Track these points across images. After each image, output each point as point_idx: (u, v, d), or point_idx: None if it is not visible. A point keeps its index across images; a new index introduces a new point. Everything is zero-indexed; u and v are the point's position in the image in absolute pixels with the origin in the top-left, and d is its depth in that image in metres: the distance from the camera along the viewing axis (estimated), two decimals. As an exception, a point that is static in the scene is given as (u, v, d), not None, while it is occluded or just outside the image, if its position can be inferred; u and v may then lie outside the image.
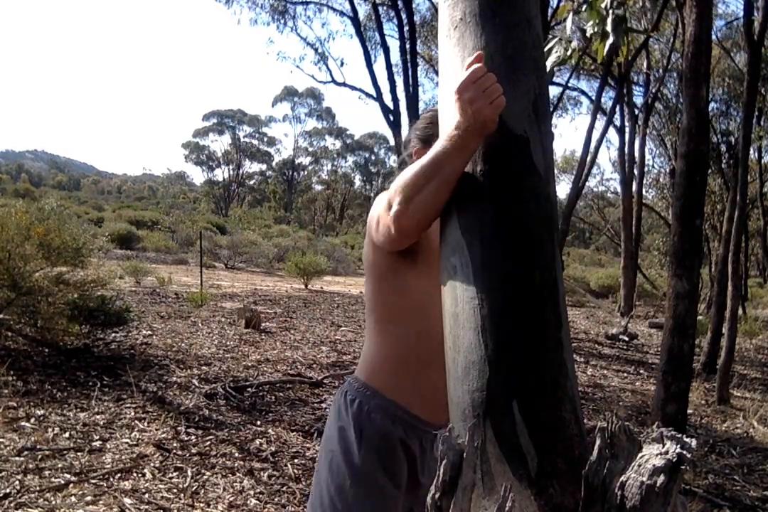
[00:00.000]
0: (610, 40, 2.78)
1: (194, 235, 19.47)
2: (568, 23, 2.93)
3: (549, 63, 3.02)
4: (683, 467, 0.84)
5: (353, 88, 13.10)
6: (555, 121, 20.37)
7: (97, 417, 3.60)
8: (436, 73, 15.04)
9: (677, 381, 3.72)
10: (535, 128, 1.11)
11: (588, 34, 2.90)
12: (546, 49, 3.01)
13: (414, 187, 1.12)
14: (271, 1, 13.85)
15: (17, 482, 2.67)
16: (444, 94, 1.21)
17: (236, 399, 4.25)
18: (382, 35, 11.83)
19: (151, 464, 3.02)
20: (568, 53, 2.98)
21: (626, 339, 9.66)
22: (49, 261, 4.76)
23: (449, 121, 1.18)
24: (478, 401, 1.03)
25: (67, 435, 3.29)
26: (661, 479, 0.84)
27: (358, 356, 6.22)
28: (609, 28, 2.75)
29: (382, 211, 1.22)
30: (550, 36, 3.17)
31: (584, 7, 2.88)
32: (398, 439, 1.30)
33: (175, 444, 3.31)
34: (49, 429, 3.32)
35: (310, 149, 58.49)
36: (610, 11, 2.75)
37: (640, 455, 0.89)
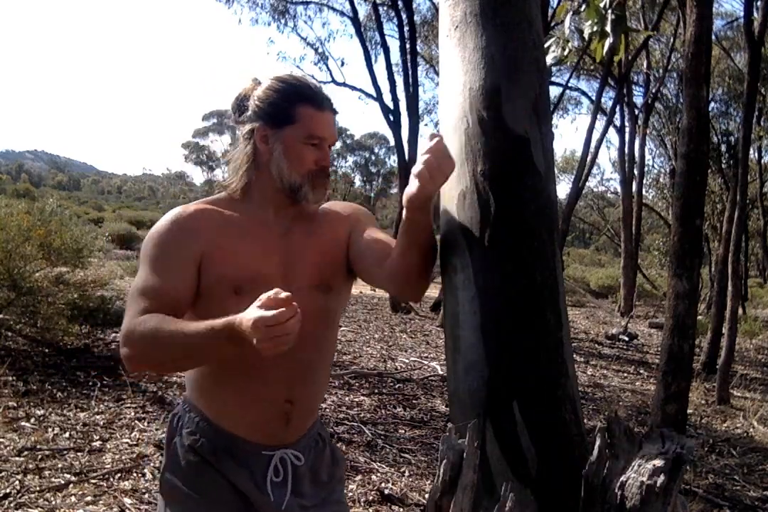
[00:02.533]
0: (609, 39, 2.78)
1: (194, 235, 19.37)
2: (567, 23, 2.93)
3: (546, 62, 3.01)
4: (683, 467, 0.84)
5: (353, 88, 13.09)
6: (555, 121, 20.37)
7: (97, 417, 3.60)
8: (436, 73, 15.05)
9: (677, 381, 3.72)
10: (536, 128, 1.11)
11: (587, 34, 2.90)
12: (544, 48, 3.01)
13: (159, 354, 1.06)
14: (271, 0, 13.85)
15: (17, 482, 2.67)
16: (444, 93, 1.21)
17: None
18: (382, 35, 11.83)
19: (151, 464, 3.02)
20: (566, 53, 2.98)
21: (626, 339, 9.66)
22: (49, 262, 4.76)
23: (449, 121, 1.18)
24: (478, 401, 1.03)
25: (67, 435, 3.29)
26: (661, 479, 0.84)
27: (358, 356, 6.24)
28: (608, 27, 2.75)
29: (129, 307, 1.10)
30: (548, 35, 3.18)
31: (583, 6, 2.88)
32: (208, 452, 1.20)
33: (175, 444, 3.31)
34: (49, 429, 3.32)
35: (311, 149, 58.33)
36: (609, 11, 2.75)
37: (640, 455, 0.89)
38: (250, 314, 0.94)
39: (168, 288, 1.11)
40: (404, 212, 1.06)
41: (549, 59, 2.99)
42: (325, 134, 1.19)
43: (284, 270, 1.19)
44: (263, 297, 0.94)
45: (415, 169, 1.00)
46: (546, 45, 2.99)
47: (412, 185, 1.01)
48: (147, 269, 1.13)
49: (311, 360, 1.21)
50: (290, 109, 1.16)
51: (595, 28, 2.79)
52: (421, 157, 1.00)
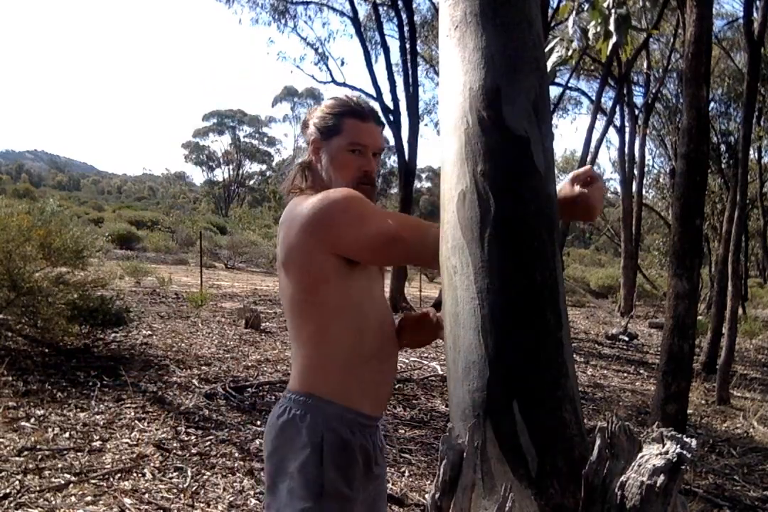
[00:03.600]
0: (614, 39, 2.78)
1: (194, 235, 19.45)
2: (570, 23, 2.92)
3: (550, 63, 3.01)
4: (683, 467, 0.84)
5: (353, 88, 13.08)
6: (555, 121, 20.38)
7: (97, 417, 3.60)
8: (436, 73, 15.05)
9: (677, 381, 3.72)
10: (536, 128, 1.11)
11: (591, 34, 2.90)
12: (547, 49, 3.01)
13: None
14: (271, 1, 13.85)
15: (17, 482, 2.67)
16: (444, 93, 1.21)
17: (236, 399, 4.25)
18: (382, 35, 11.83)
19: (151, 464, 3.02)
20: (569, 53, 2.98)
21: (626, 339, 9.67)
22: (49, 262, 4.76)
23: (449, 121, 1.18)
24: (478, 401, 1.03)
25: (67, 435, 3.29)
26: (661, 479, 0.84)
27: (358, 356, 6.24)
28: (612, 27, 2.75)
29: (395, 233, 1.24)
30: (550, 36, 3.17)
31: (586, 6, 2.88)
32: (358, 445, 1.27)
33: (175, 444, 3.31)
34: (49, 429, 3.32)
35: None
36: (613, 11, 2.75)
37: (640, 455, 0.89)
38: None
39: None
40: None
41: (553, 59, 2.98)
42: (367, 142, 1.33)
43: None
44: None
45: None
46: (550, 46, 2.99)
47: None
48: (375, 217, 1.25)
49: (394, 340, 1.40)
50: (337, 122, 1.32)
51: (599, 28, 2.79)
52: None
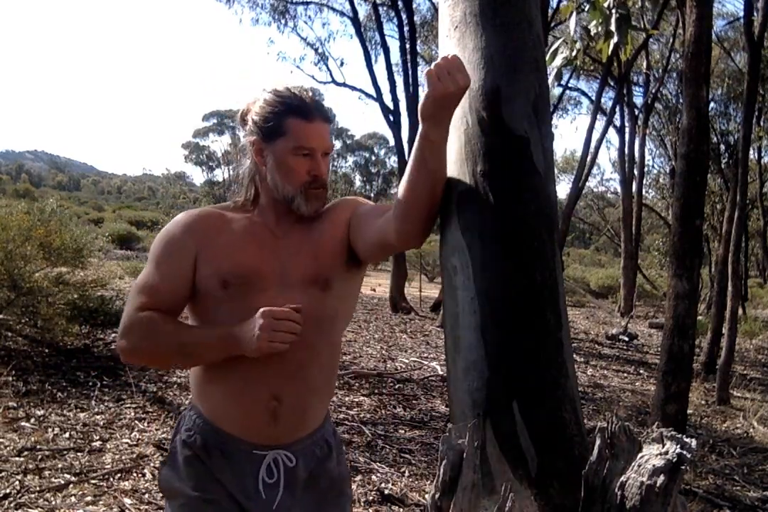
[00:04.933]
0: (615, 39, 2.78)
1: (194, 235, 19.39)
2: (572, 23, 2.92)
3: (556, 64, 3.02)
4: (683, 467, 0.84)
5: (353, 88, 13.08)
6: (555, 122, 20.37)
7: (97, 417, 3.60)
8: (436, 73, 15.00)
9: (677, 381, 3.72)
10: (535, 128, 1.11)
11: (592, 34, 2.90)
12: (551, 50, 3.01)
13: (149, 348, 1.19)
14: (271, 1, 13.85)
15: (17, 482, 2.67)
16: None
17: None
18: (382, 35, 11.82)
19: (151, 464, 3.02)
20: (574, 53, 2.98)
21: (626, 339, 9.66)
22: (49, 262, 4.76)
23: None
24: (478, 401, 1.03)
25: (67, 435, 3.29)
26: (661, 479, 0.84)
27: (358, 356, 6.24)
28: (613, 27, 2.75)
29: (129, 300, 1.21)
30: (551, 37, 3.18)
31: (587, 6, 2.88)
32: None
33: (175, 444, 3.31)
34: (49, 429, 3.32)
35: (311, 149, 58.35)
36: (613, 11, 2.75)
37: (640, 455, 0.89)
38: (258, 316, 1.09)
39: (166, 286, 1.20)
40: (419, 128, 1.05)
41: (559, 61, 2.99)
42: (314, 144, 1.20)
43: (279, 267, 1.22)
44: (275, 310, 1.09)
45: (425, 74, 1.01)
46: (554, 47, 3.00)
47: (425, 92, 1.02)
48: (150, 267, 1.23)
49: (301, 359, 1.20)
50: (280, 122, 1.20)
51: (599, 28, 2.79)
52: (433, 63, 1.02)
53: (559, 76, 3.31)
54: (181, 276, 1.21)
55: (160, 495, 2.70)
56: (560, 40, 2.99)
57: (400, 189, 1.14)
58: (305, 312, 1.14)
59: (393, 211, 1.16)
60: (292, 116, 1.19)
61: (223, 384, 1.21)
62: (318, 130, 1.21)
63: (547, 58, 2.99)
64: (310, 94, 1.24)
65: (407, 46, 11.40)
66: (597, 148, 12.30)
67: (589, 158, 11.58)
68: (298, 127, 1.19)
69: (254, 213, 1.28)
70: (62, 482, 2.72)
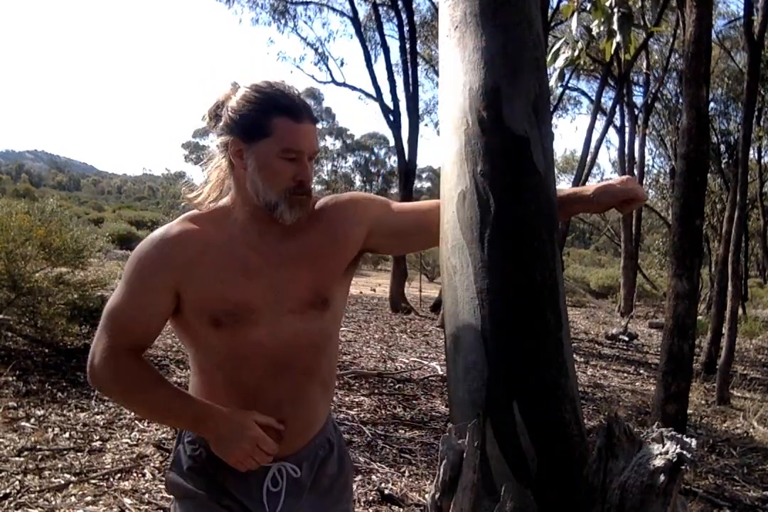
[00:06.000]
0: (617, 38, 2.78)
1: (194, 235, 19.38)
2: (573, 23, 2.92)
3: (559, 65, 3.02)
4: (683, 467, 0.84)
5: (353, 88, 13.08)
6: (555, 121, 20.36)
7: (97, 417, 3.60)
8: (436, 73, 15.04)
9: (677, 381, 3.72)
10: (535, 128, 1.11)
11: (594, 34, 2.90)
12: (553, 50, 3.01)
13: (122, 398, 1.24)
14: (271, 1, 13.85)
15: (17, 482, 2.67)
16: (444, 93, 1.21)
17: (236, 399, 4.25)
18: (382, 35, 11.82)
19: (151, 464, 3.02)
20: (576, 53, 2.98)
21: (626, 339, 9.66)
22: (49, 262, 4.76)
23: (449, 121, 1.18)
24: (478, 401, 1.03)
25: (67, 435, 3.29)
26: (661, 479, 0.84)
27: (358, 356, 6.23)
28: (615, 26, 2.74)
29: (103, 328, 1.15)
30: (551, 37, 3.18)
31: (588, 6, 2.88)
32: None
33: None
34: (49, 429, 3.32)
35: (310, 149, 58.26)
36: (615, 9, 2.75)
37: (640, 455, 0.89)
38: (250, 422, 1.10)
39: (140, 319, 1.14)
40: (588, 195, 1.19)
41: (561, 62, 2.99)
42: (302, 147, 1.11)
43: (272, 295, 1.14)
44: (264, 420, 1.12)
45: (634, 189, 1.16)
46: (556, 47, 3.00)
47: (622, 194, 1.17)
48: (124, 290, 1.15)
49: (301, 383, 1.18)
50: (265, 122, 1.09)
51: (602, 28, 2.79)
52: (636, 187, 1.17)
53: (561, 77, 3.31)
54: (156, 307, 1.13)
55: (160, 495, 2.70)
56: (561, 41, 2.98)
57: None
58: (304, 338, 1.16)
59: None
60: (279, 115, 1.09)
61: (227, 406, 1.16)
62: (306, 132, 1.11)
63: (548, 58, 2.99)
64: (296, 91, 1.14)
65: (407, 46, 11.40)
66: (597, 148, 12.31)
67: (589, 158, 11.58)
68: (285, 128, 1.09)
69: (233, 226, 1.16)
70: (62, 482, 2.72)
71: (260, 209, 1.14)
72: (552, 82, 3.04)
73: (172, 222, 1.20)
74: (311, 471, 1.24)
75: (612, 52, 2.93)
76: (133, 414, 3.70)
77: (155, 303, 1.13)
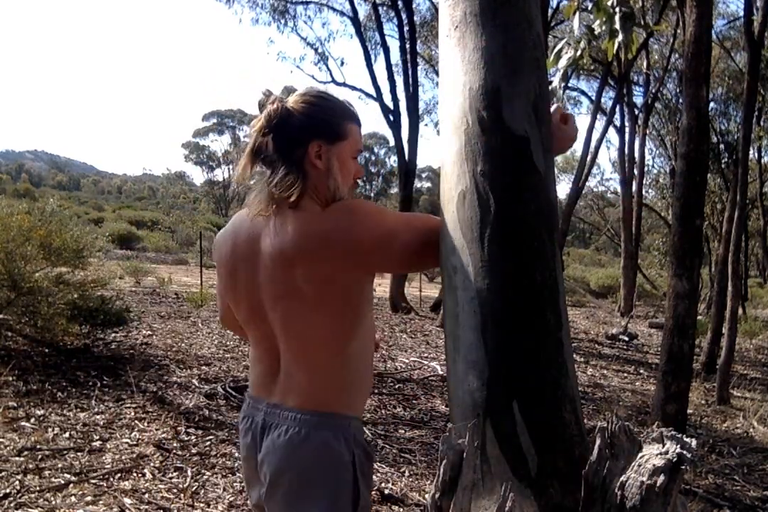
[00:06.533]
0: (619, 37, 2.78)
1: (194, 235, 19.47)
2: (575, 23, 2.92)
3: (562, 65, 3.01)
4: (683, 467, 0.84)
5: (353, 88, 13.09)
6: (555, 121, 20.30)
7: (97, 417, 3.60)
8: (436, 73, 15.04)
9: (677, 381, 3.72)
10: (536, 128, 1.11)
11: (596, 33, 2.89)
12: (555, 51, 3.01)
13: None
14: (271, 1, 13.85)
15: (17, 482, 2.67)
16: (444, 93, 1.21)
17: (236, 399, 4.24)
18: (382, 35, 11.83)
19: (151, 464, 3.02)
20: (578, 53, 2.97)
21: (626, 339, 9.67)
22: (49, 262, 4.76)
23: (449, 121, 1.18)
24: (478, 401, 1.03)
25: (67, 435, 3.29)
26: (661, 479, 0.84)
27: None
28: (617, 25, 2.74)
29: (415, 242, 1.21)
30: (553, 37, 3.18)
31: (590, 6, 2.87)
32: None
33: (175, 444, 3.31)
34: (49, 429, 3.32)
35: (310, 149, 58.39)
36: (617, 9, 2.74)
37: (640, 455, 0.89)
38: None
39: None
40: None
41: (564, 62, 2.98)
42: (362, 149, 1.34)
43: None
44: None
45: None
46: (558, 48, 2.99)
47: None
48: (402, 218, 1.27)
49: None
50: (342, 126, 1.25)
51: (603, 27, 2.79)
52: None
53: (565, 78, 3.31)
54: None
55: (160, 495, 2.70)
56: (563, 41, 2.98)
57: None
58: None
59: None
60: (350, 121, 1.26)
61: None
62: (362, 135, 1.33)
63: (550, 59, 2.98)
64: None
65: (407, 46, 11.41)
66: (597, 148, 12.32)
67: (589, 158, 11.59)
68: (356, 132, 1.27)
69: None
70: (62, 482, 2.72)
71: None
72: (555, 83, 3.03)
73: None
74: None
75: (614, 51, 2.93)
76: (133, 413, 3.70)
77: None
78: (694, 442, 0.86)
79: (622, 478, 0.88)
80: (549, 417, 1.01)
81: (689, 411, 4.42)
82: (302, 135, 1.21)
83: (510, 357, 1.03)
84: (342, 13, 13.25)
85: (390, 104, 11.38)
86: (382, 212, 1.20)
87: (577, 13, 2.90)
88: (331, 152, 1.23)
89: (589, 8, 2.86)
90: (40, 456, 2.96)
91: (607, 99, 15.93)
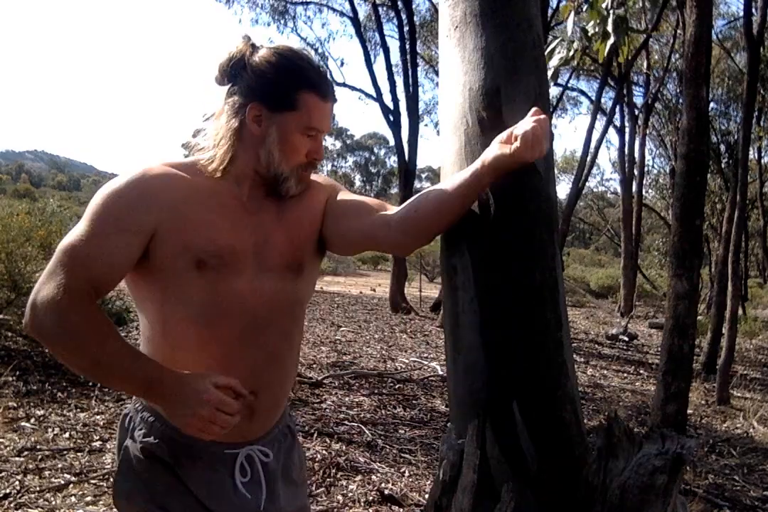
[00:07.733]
0: (611, 40, 2.79)
1: (194, 235, 19.36)
2: (569, 23, 2.93)
3: (553, 64, 3.03)
4: (683, 467, 0.84)
5: (353, 88, 13.08)
6: (555, 121, 20.37)
7: (97, 417, 3.60)
8: (436, 73, 15.04)
9: (677, 381, 3.72)
10: (535, 128, 1.11)
11: (589, 34, 2.91)
12: (548, 50, 3.02)
13: (67, 351, 0.97)
14: (271, 1, 13.86)
15: (17, 482, 2.67)
16: (444, 94, 1.21)
17: (236, 399, 4.25)
18: (382, 35, 11.83)
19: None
20: (571, 53, 2.99)
21: (626, 339, 9.66)
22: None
23: (449, 121, 1.18)
24: (479, 401, 1.03)
25: (67, 435, 3.29)
26: (661, 479, 0.84)
27: (358, 356, 6.23)
28: (610, 28, 2.76)
29: (56, 266, 0.98)
30: (550, 37, 3.19)
31: (585, 7, 2.89)
32: None
33: (175, 445, 3.31)
34: (49, 430, 3.32)
35: (310, 149, 58.32)
36: (611, 11, 2.76)
37: (640, 455, 0.89)
38: (206, 385, 0.95)
39: (103, 259, 1.00)
40: (477, 167, 1.02)
41: (555, 61, 3.00)
42: (323, 126, 1.11)
43: (254, 248, 1.11)
44: (224, 381, 0.97)
45: (520, 130, 0.97)
46: (551, 47, 3.00)
47: (507, 148, 0.98)
48: (89, 228, 1.01)
49: (279, 348, 1.13)
50: (293, 94, 1.06)
51: (596, 29, 2.80)
52: (528, 122, 0.98)
53: (555, 76, 3.33)
54: (125, 256, 1.01)
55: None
56: (557, 41, 3.00)
57: (421, 206, 1.09)
58: (283, 299, 1.12)
59: (396, 219, 1.11)
60: (308, 90, 1.07)
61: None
62: (329, 111, 1.11)
63: None
64: (322, 65, 1.16)
65: (407, 46, 11.40)
66: (597, 148, 12.30)
67: (589, 158, 11.58)
68: (312, 105, 1.08)
69: (225, 180, 1.10)
70: (62, 482, 2.72)
71: (260, 175, 1.12)
72: None
73: (146, 165, 1.11)
74: (278, 459, 1.18)
75: (606, 53, 2.94)
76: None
77: (127, 245, 1.01)
78: (694, 442, 0.87)
79: (622, 478, 0.88)
80: (549, 417, 1.01)
81: (689, 411, 4.41)
82: (246, 92, 1.08)
83: (510, 357, 1.03)
84: (342, 14, 13.26)
85: (390, 104, 11.38)
86: (112, 198, 1.03)
87: (572, 14, 2.92)
88: (273, 120, 1.08)
89: (584, 9, 2.87)
90: (40, 457, 2.96)
91: (607, 99, 15.93)
